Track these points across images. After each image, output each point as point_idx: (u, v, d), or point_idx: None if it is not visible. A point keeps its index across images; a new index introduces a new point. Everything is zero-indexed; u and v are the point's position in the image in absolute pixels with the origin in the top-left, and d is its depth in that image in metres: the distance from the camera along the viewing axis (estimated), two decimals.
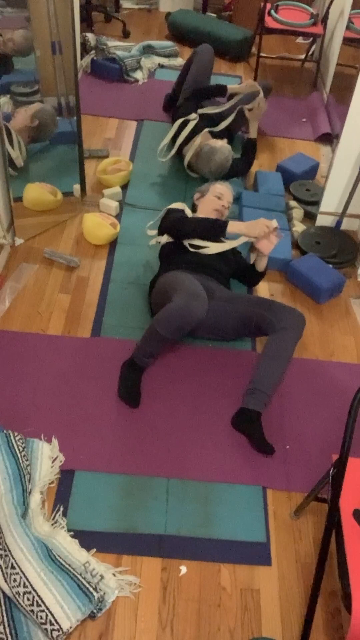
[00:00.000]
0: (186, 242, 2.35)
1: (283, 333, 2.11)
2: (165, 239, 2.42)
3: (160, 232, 2.45)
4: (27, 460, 1.86)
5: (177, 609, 1.64)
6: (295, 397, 2.22)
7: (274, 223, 2.24)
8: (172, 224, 2.34)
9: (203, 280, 2.30)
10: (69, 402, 2.10)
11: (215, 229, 2.28)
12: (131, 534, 1.78)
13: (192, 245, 2.35)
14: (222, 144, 3.12)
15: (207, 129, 3.27)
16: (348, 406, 2.09)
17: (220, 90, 3.34)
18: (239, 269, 2.50)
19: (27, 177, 2.82)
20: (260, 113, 3.21)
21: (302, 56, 4.80)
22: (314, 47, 4.73)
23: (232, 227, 2.26)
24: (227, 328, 2.29)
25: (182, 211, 2.43)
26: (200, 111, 3.31)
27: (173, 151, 3.30)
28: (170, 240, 2.41)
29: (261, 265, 2.43)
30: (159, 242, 2.45)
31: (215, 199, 2.49)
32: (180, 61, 4.56)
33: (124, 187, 3.17)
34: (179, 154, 3.33)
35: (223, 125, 3.31)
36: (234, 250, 2.50)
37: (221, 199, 2.50)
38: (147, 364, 2.15)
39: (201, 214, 2.50)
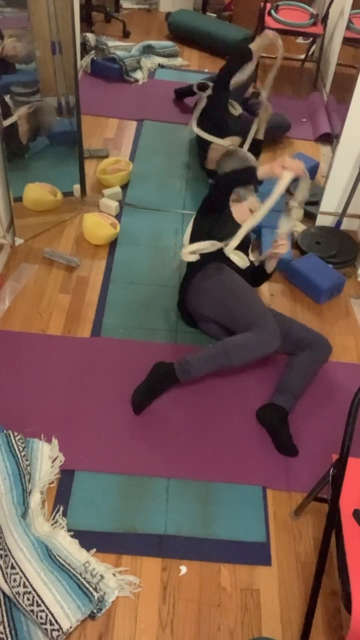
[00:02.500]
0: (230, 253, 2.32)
1: (315, 353, 2.19)
2: (197, 251, 2.36)
3: (204, 205, 2.39)
4: (27, 460, 1.86)
5: (177, 609, 1.64)
6: None
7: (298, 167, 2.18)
8: (212, 187, 2.32)
9: None
10: (69, 402, 2.10)
11: (247, 175, 2.23)
12: (131, 534, 1.78)
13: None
14: (254, 158, 3.15)
15: (237, 137, 3.28)
16: (348, 406, 2.09)
17: (246, 57, 3.21)
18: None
19: (27, 177, 2.82)
20: (267, 115, 3.24)
21: (302, 56, 4.80)
22: (314, 47, 4.73)
23: (261, 171, 2.20)
24: None
25: None
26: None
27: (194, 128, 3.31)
28: (208, 250, 2.35)
29: (270, 267, 2.44)
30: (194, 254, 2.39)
31: (249, 212, 2.51)
32: (180, 61, 4.57)
33: (124, 187, 3.17)
34: (201, 147, 3.36)
35: (250, 137, 3.32)
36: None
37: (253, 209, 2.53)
38: (186, 381, 2.09)
39: (237, 216, 2.49)
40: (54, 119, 2.89)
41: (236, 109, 3.36)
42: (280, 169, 2.17)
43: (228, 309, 2.16)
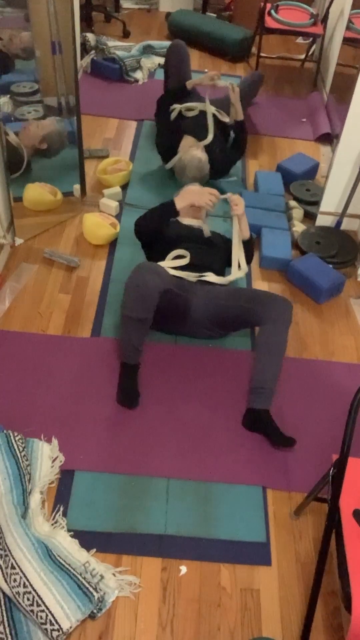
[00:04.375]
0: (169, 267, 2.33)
1: (273, 325, 2.11)
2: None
3: (141, 240, 2.47)
4: (27, 460, 1.86)
5: (177, 609, 1.64)
6: (295, 397, 2.22)
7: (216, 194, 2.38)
8: (135, 228, 2.41)
9: (189, 282, 2.29)
10: (69, 402, 2.10)
11: (165, 208, 2.38)
12: (131, 534, 1.78)
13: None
14: (191, 155, 3.02)
15: (186, 135, 3.17)
16: (348, 406, 2.09)
17: (182, 91, 3.25)
18: (230, 254, 2.51)
19: (27, 177, 2.82)
20: (237, 96, 3.11)
21: (302, 56, 4.80)
22: (314, 47, 4.73)
23: (179, 201, 2.37)
24: (221, 324, 2.29)
25: None
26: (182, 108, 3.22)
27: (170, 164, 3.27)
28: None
29: (244, 232, 2.44)
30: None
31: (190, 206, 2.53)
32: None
33: (124, 187, 3.17)
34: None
35: (210, 136, 3.17)
36: (223, 239, 2.53)
37: None
38: (135, 360, 2.13)
39: (184, 217, 2.52)
40: (62, 146, 2.92)
41: (194, 110, 3.22)
42: (197, 200, 2.35)
43: None
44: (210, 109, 3.18)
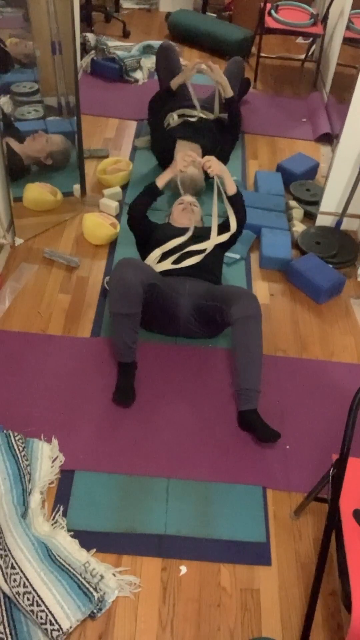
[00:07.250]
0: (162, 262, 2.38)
1: (242, 324, 2.08)
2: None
3: (133, 230, 2.51)
4: (27, 460, 1.86)
5: (177, 609, 1.64)
6: (295, 397, 2.22)
7: (192, 157, 2.44)
8: (128, 214, 2.49)
9: (179, 282, 2.29)
10: (69, 402, 2.10)
11: (148, 189, 2.47)
12: (131, 534, 1.78)
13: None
14: (184, 174, 2.96)
15: (180, 140, 3.15)
16: (348, 406, 2.09)
17: (169, 92, 3.22)
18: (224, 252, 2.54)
19: (27, 177, 2.82)
20: (217, 73, 3.06)
21: (302, 56, 4.80)
22: (314, 47, 4.73)
23: (160, 179, 2.46)
24: (205, 324, 2.30)
25: None
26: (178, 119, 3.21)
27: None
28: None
29: (229, 188, 2.44)
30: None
31: (178, 204, 2.62)
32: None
33: (124, 187, 3.17)
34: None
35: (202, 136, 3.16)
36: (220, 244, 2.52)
37: (183, 202, 2.63)
38: (130, 358, 2.14)
39: (177, 221, 2.57)
40: (66, 165, 2.94)
41: (193, 115, 3.23)
42: (180, 165, 2.42)
43: None
44: (198, 112, 3.23)
